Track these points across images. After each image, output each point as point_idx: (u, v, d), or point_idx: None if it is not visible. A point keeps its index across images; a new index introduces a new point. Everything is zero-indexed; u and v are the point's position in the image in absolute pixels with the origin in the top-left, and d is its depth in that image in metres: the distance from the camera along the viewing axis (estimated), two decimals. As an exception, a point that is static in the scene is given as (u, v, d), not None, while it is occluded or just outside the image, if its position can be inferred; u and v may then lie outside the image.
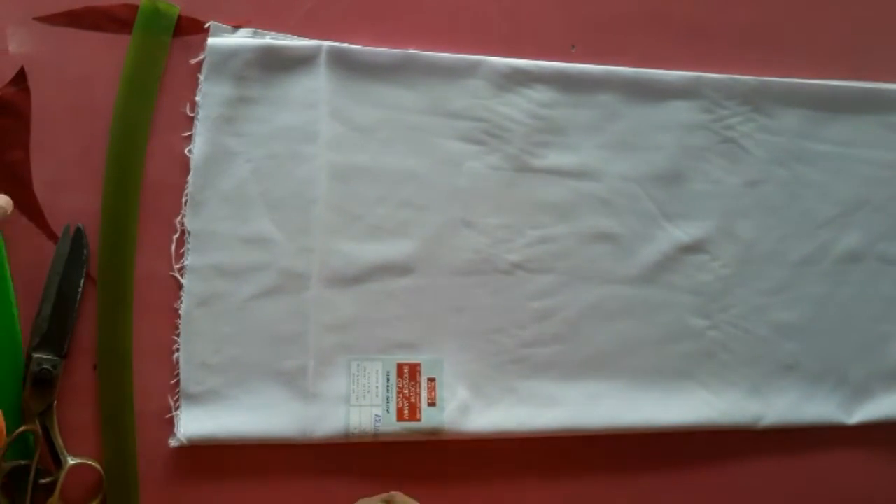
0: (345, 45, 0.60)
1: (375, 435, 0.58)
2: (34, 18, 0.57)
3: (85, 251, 0.55)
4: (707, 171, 0.66)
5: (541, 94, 0.63)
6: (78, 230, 0.55)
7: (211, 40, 0.58)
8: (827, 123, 0.68)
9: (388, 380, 0.59)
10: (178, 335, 0.56)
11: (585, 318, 0.62)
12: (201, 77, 0.58)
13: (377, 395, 0.58)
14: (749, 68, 0.67)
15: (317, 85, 0.60)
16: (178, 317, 0.56)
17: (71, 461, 0.53)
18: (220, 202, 0.58)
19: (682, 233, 0.65)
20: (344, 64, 0.60)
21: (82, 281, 0.55)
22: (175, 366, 0.56)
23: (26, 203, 0.55)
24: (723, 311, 0.65)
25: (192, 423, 0.55)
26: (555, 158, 0.63)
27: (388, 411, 0.58)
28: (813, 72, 0.69)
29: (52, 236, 0.55)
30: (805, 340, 0.66)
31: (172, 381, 0.56)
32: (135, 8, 0.58)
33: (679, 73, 0.66)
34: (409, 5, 0.63)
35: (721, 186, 0.66)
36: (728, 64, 0.67)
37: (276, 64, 0.59)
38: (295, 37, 0.60)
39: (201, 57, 0.59)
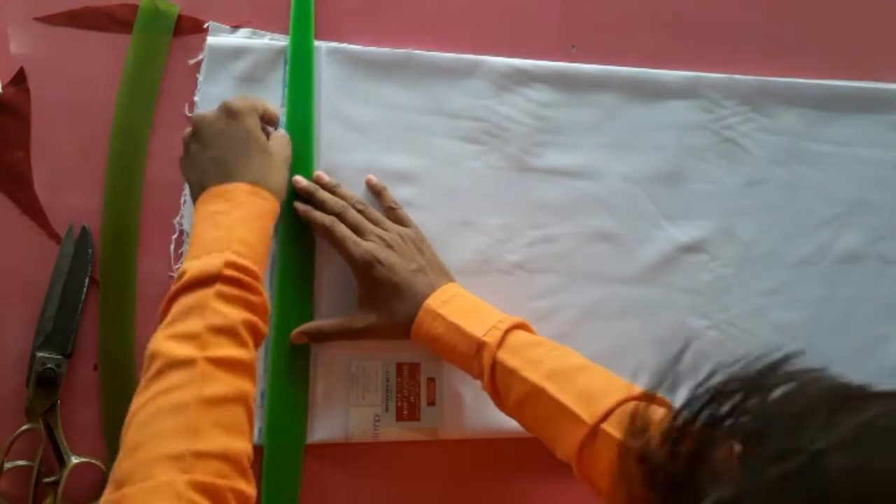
0: (344, 44, 0.63)
1: (375, 435, 0.61)
2: (34, 18, 0.59)
3: (90, 251, 0.57)
4: (706, 171, 0.69)
5: (540, 94, 0.66)
6: (83, 230, 0.58)
7: (210, 40, 0.61)
8: (827, 123, 0.72)
9: (387, 379, 0.62)
10: (177, 335, 0.59)
11: (585, 318, 0.65)
12: (200, 77, 0.61)
13: (377, 395, 0.61)
14: (749, 68, 0.70)
15: (315, 85, 0.62)
16: (178, 317, 0.59)
17: (74, 460, 0.56)
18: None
19: (682, 233, 0.68)
20: (343, 64, 0.63)
21: (87, 280, 0.57)
22: (175, 366, 0.59)
23: (28, 203, 0.58)
24: (722, 311, 0.68)
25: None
26: (554, 158, 0.66)
27: (387, 411, 0.61)
28: (813, 72, 0.72)
29: (53, 236, 0.58)
30: (804, 341, 0.69)
31: (171, 382, 0.59)
32: (135, 8, 0.60)
33: (678, 72, 0.69)
34: (409, 5, 0.66)
35: (720, 186, 0.69)
36: (728, 64, 0.70)
37: (274, 64, 0.62)
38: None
39: (200, 57, 0.61)
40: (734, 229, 0.69)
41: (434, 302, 0.56)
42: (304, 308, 0.60)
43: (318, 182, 0.60)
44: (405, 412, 0.62)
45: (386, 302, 0.57)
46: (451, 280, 0.60)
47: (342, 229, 0.58)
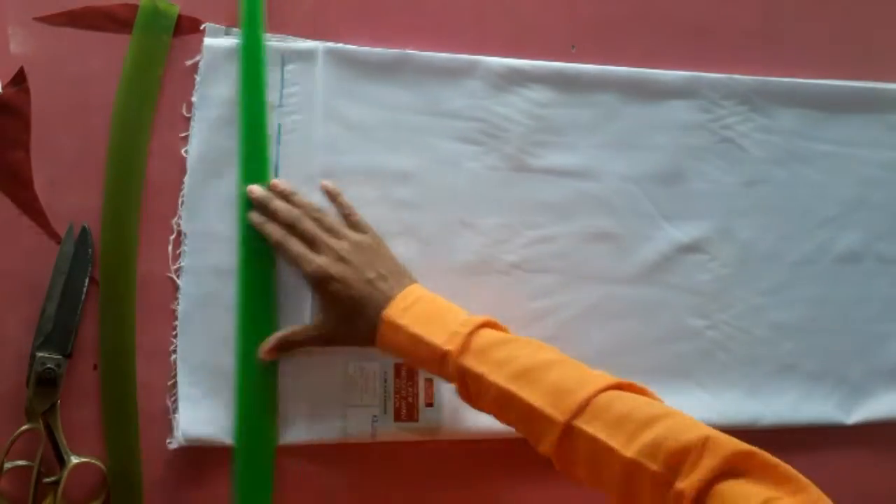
0: (342, 45, 0.63)
1: (373, 436, 0.61)
2: (34, 18, 0.59)
3: (90, 251, 0.58)
4: (705, 170, 0.69)
5: (538, 94, 0.66)
6: (83, 230, 0.58)
7: (207, 41, 0.61)
8: (826, 123, 0.72)
9: (385, 380, 0.62)
10: (175, 336, 0.59)
11: (584, 318, 0.66)
12: (198, 78, 0.61)
13: (375, 396, 0.61)
14: (748, 68, 0.70)
15: (313, 86, 0.62)
16: (176, 318, 0.59)
17: (74, 460, 0.56)
18: (217, 203, 0.60)
19: (681, 233, 0.68)
20: (341, 64, 0.63)
21: (87, 280, 0.57)
22: (173, 367, 0.59)
23: (27, 203, 0.58)
24: (721, 311, 0.68)
25: (191, 424, 0.58)
26: (553, 158, 0.66)
27: (385, 412, 0.62)
28: (813, 72, 0.72)
29: (53, 236, 0.58)
30: (803, 340, 0.69)
31: (170, 382, 0.59)
32: (135, 7, 0.60)
33: (677, 72, 0.69)
34: (408, 5, 0.66)
35: (719, 186, 0.69)
36: (727, 64, 0.70)
37: (271, 65, 0.62)
38: (292, 37, 0.63)
39: (198, 58, 0.61)
40: (733, 229, 0.69)
41: (394, 311, 0.54)
42: (268, 315, 0.59)
43: (274, 189, 0.59)
44: (403, 413, 0.62)
45: (345, 316, 0.56)
46: (412, 282, 0.58)
47: (293, 245, 0.56)
